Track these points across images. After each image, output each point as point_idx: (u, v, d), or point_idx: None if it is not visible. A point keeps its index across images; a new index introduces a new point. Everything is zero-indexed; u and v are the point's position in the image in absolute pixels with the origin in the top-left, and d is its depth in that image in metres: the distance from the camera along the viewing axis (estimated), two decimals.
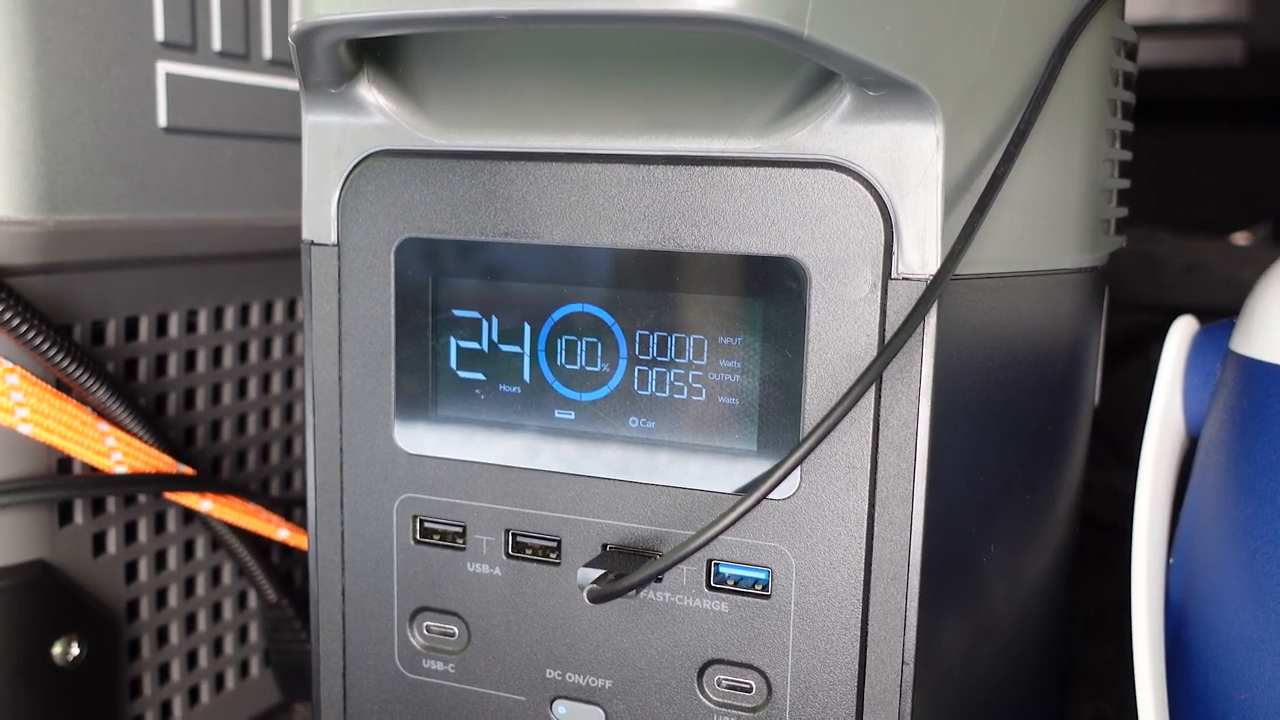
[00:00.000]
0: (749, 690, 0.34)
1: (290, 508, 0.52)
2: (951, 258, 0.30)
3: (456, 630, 0.37)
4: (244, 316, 0.50)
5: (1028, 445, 0.37)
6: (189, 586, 0.49)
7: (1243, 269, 0.77)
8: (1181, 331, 0.41)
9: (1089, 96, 0.37)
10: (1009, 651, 0.38)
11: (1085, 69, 0.36)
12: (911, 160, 0.30)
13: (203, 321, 0.48)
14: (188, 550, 0.48)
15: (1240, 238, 0.94)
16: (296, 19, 0.30)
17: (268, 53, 0.49)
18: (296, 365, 0.53)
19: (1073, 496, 0.41)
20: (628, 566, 0.33)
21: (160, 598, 0.47)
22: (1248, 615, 0.35)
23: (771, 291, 0.32)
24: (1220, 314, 0.45)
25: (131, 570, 0.46)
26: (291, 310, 0.53)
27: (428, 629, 0.37)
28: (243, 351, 0.50)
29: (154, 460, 0.43)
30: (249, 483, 0.52)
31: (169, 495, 0.45)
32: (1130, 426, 0.67)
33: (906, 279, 0.31)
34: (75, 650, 0.43)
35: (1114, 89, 0.38)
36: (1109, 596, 0.58)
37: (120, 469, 0.43)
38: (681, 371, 0.33)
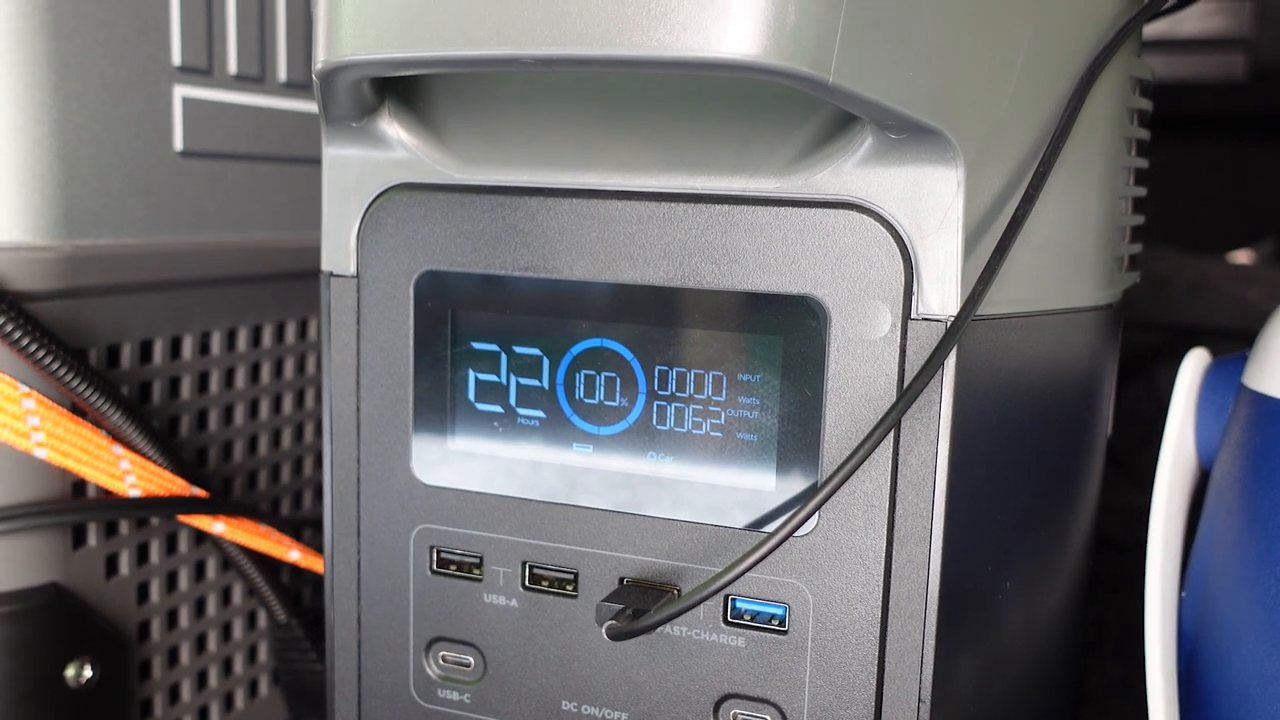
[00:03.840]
0: None
1: (301, 528, 0.52)
2: (972, 299, 0.30)
3: (472, 661, 0.37)
4: (256, 338, 0.50)
5: (1044, 482, 0.37)
6: (199, 607, 0.49)
7: (1247, 289, 0.77)
8: (1194, 364, 0.41)
9: (1107, 136, 0.37)
10: (1024, 685, 0.39)
11: (1103, 109, 0.36)
12: (932, 202, 0.30)
13: (216, 343, 0.48)
14: (199, 571, 0.49)
15: (1242, 255, 0.94)
16: (321, 58, 0.30)
17: (283, 75, 0.49)
18: (308, 386, 0.54)
19: (1087, 529, 0.42)
20: (645, 601, 0.33)
21: (171, 619, 0.47)
22: (1260, 651, 0.36)
23: (791, 330, 0.32)
24: (1224, 334, 0.45)
25: (143, 592, 0.46)
26: (303, 331, 0.53)
27: (443, 659, 0.37)
28: (255, 373, 0.50)
29: (167, 483, 0.44)
30: (259, 502, 0.52)
31: (182, 518, 0.45)
32: (1133, 444, 0.67)
33: (926, 319, 0.31)
34: (88, 672, 0.43)
35: (1131, 127, 0.38)
36: (1111, 616, 0.58)
37: (134, 492, 0.43)
38: (700, 407, 0.33)
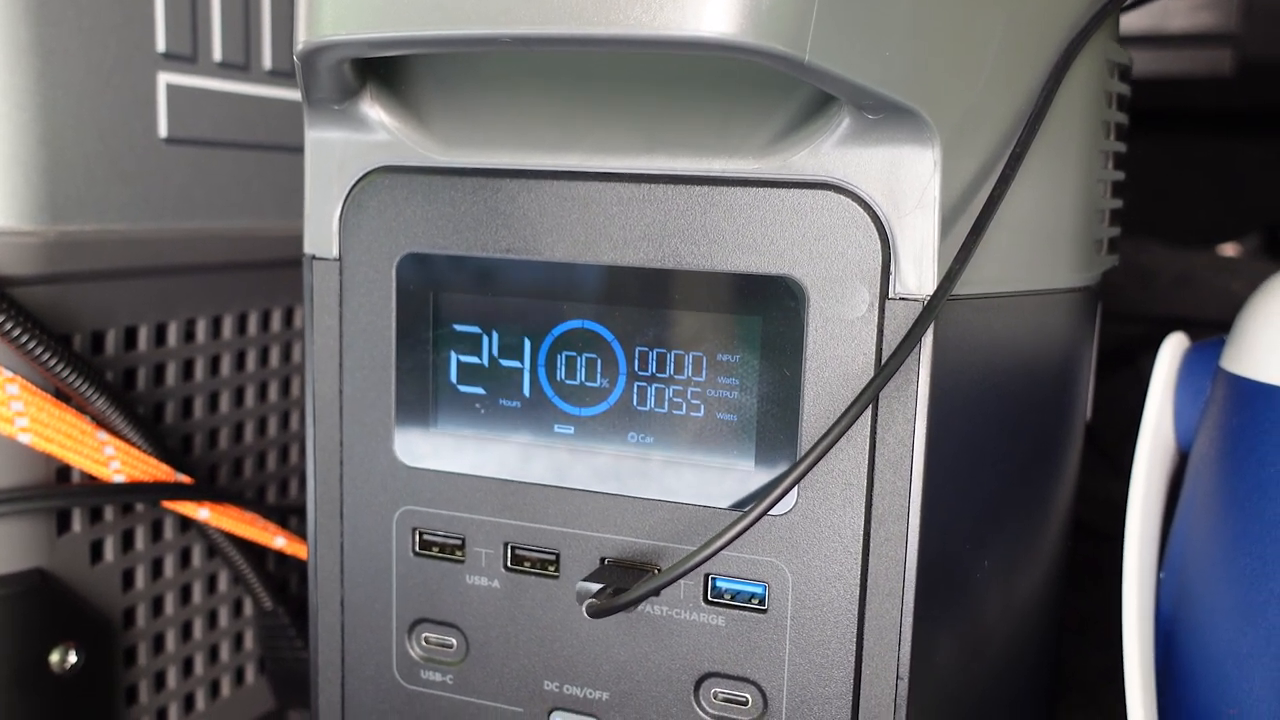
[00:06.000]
0: (745, 704, 0.34)
1: (286, 515, 0.52)
2: (948, 279, 0.30)
3: (455, 642, 0.37)
4: (242, 325, 0.50)
5: (1021, 462, 0.37)
6: (185, 594, 0.49)
7: (1232, 281, 0.78)
8: (1173, 348, 0.41)
9: (1083, 119, 0.37)
10: (1002, 664, 0.39)
11: (1080, 92, 0.36)
12: (909, 182, 0.31)
13: (201, 330, 0.48)
14: (184, 558, 0.49)
15: (1229, 249, 0.95)
16: (302, 38, 0.30)
17: (268, 63, 0.49)
18: (293, 373, 0.54)
19: (1065, 511, 0.42)
20: (626, 580, 0.34)
21: (157, 605, 0.48)
22: (1236, 630, 0.36)
23: (770, 310, 0.32)
24: (1210, 326, 0.46)
25: (128, 578, 0.46)
26: (288, 318, 0.53)
27: (426, 640, 0.38)
28: (240, 360, 0.51)
29: (152, 469, 0.44)
30: (245, 490, 0.52)
31: (167, 504, 0.45)
32: (1119, 435, 0.68)
33: (903, 299, 0.31)
34: (73, 658, 0.43)
35: (1108, 111, 0.39)
36: (1095, 603, 0.58)
37: (119, 478, 0.43)
38: (680, 388, 0.34)
